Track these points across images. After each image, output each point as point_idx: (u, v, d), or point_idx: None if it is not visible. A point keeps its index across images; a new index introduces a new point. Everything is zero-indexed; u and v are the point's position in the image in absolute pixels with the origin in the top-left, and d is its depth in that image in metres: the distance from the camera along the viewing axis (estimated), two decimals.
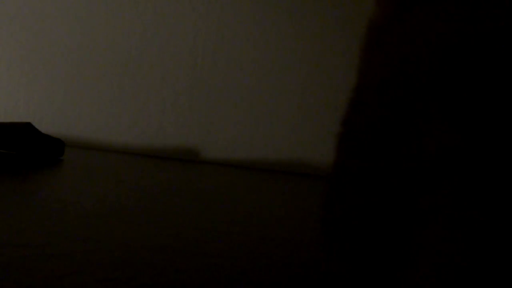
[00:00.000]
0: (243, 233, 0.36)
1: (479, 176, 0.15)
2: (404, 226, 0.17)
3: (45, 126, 1.18)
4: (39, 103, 1.19)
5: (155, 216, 0.39)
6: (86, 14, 1.17)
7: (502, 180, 0.15)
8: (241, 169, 0.95)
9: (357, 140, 0.19)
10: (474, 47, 0.16)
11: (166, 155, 1.07)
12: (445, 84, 0.16)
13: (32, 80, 1.20)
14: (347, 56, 0.97)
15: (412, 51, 0.18)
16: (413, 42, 0.19)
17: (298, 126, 0.99)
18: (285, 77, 1.01)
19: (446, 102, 0.16)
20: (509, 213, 0.15)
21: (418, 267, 0.16)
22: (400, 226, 0.17)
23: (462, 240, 0.15)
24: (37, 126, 1.18)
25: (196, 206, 0.46)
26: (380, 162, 0.18)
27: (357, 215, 0.18)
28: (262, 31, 1.04)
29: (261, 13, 1.03)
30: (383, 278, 0.18)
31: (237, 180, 0.74)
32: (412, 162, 0.16)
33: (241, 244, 0.33)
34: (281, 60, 1.01)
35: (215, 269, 0.27)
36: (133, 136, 1.10)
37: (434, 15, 0.18)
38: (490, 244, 0.15)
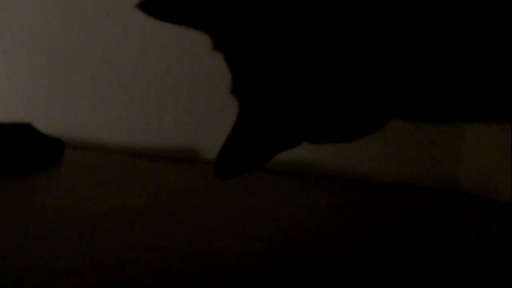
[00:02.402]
0: (243, 233, 0.36)
1: None
2: None
3: (45, 126, 1.18)
4: (39, 103, 1.20)
5: (155, 216, 0.39)
6: (86, 14, 1.17)
7: None
8: None
9: None
10: None
11: (166, 155, 1.07)
12: None
13: (31, 80, 1.20)
14: None
15: None
16: None
17: None
18: None
19: None
20: None
21: None
22: None
23: None
24: (37, 126, 1.18)
25: (196, 206, 0.46)
26: None
27: None
28: None
29: None
30: None
31: (237, 180, 0.73)
32: None
33: (241, 244, 0.33)
34: None
35: (215, 269, 0.27)
36: (133, 136, 1.10)
37: None
38: None
